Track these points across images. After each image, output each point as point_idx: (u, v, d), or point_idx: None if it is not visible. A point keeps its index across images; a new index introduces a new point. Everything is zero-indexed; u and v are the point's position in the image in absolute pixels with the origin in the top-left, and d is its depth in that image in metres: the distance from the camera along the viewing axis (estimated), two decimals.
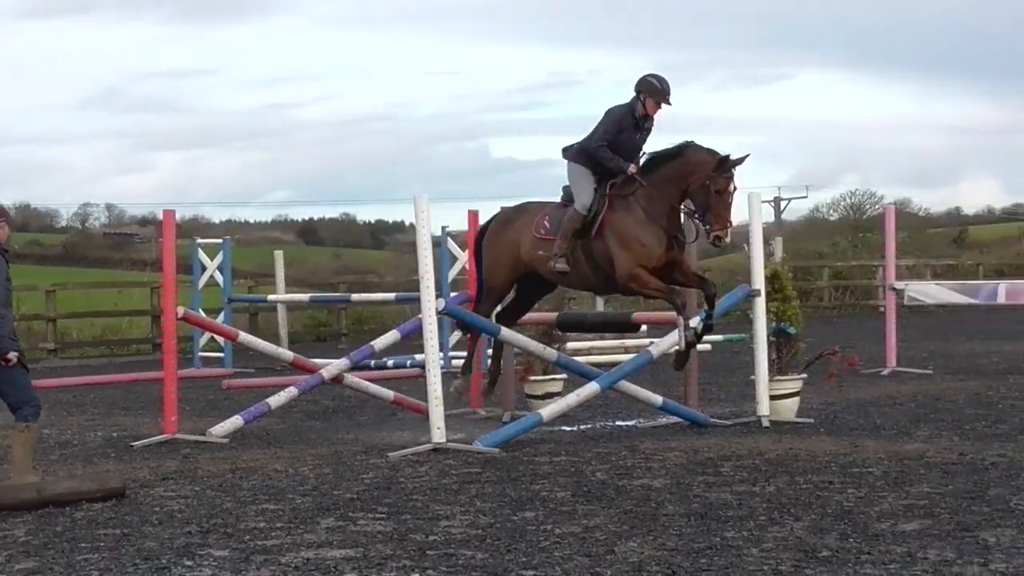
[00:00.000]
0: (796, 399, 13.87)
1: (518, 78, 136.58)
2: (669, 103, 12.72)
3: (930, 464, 10.68)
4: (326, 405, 16.52)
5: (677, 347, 12.86)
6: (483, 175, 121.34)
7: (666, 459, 11.35)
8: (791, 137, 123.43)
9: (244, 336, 15.33)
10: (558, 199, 13.25)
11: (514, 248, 13.16)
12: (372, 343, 14.75)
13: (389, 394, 14.64)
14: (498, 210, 13.91)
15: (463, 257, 20.87)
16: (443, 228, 22.84)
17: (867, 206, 58.95)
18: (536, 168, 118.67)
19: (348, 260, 65.16)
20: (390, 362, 21.09)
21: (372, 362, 19.03)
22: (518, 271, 13.28)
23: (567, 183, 13.08)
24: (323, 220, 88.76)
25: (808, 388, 14.60)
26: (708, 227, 12.42)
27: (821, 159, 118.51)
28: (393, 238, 77.22)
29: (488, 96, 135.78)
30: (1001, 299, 19.99)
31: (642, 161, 12.72)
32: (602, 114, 12.82)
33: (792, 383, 13.85)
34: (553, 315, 15.47)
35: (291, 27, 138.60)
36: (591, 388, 13.03)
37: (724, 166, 12.31)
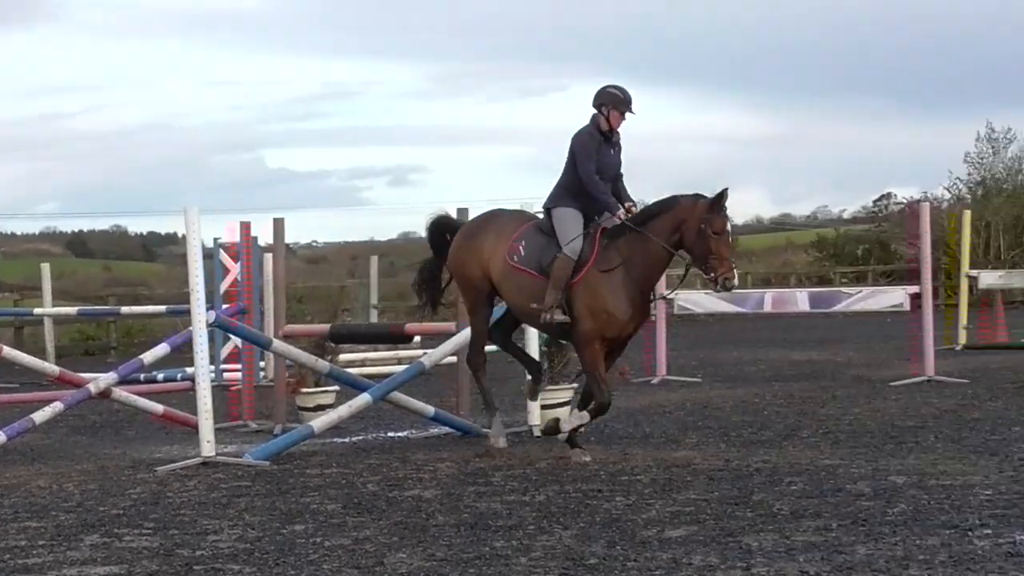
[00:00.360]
0: (567, 408, 13.98)
1: (293, 89, 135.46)
2: (633, 112, 12.04)
3: (697, 471, 10.85)
4: (93, 420, 16.24)
5: (569, 423, 11.98)
6: (258, 186, 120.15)
7: (437, 470, 11.37)
8: (565, 147, 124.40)
9: (8, 351, 14.98)
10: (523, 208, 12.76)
11: (484, 261, 12.25)
12: (142, 356, 14.50)
13: (159, 408, 14.43)
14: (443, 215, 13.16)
15: (236, 269, 20.68)
16: (215, 240, 22.61)
17: None
18: (311, 179, 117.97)
19: (119, 272, 64.15)
20: (160, 376, 20.83)
21: (142, 376, 18.76)
22: (489, 285, 12.34)
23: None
24: (93, 232, 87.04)
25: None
26: (713, 273, 11.55)
27: None
28: (166, 250, 76.11)
29: (263, 107, 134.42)
30: (767, 308, 20.46)
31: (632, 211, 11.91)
32: (571, 144, 12.06)
33: (563, 392, 13.95)
34: (326, 327, 15.44)
35: (60, 36, 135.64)
36: (363, 399, 13.00)
37: (718, 205, 11.55)
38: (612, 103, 11.97)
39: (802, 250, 61.32)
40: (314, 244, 76.78)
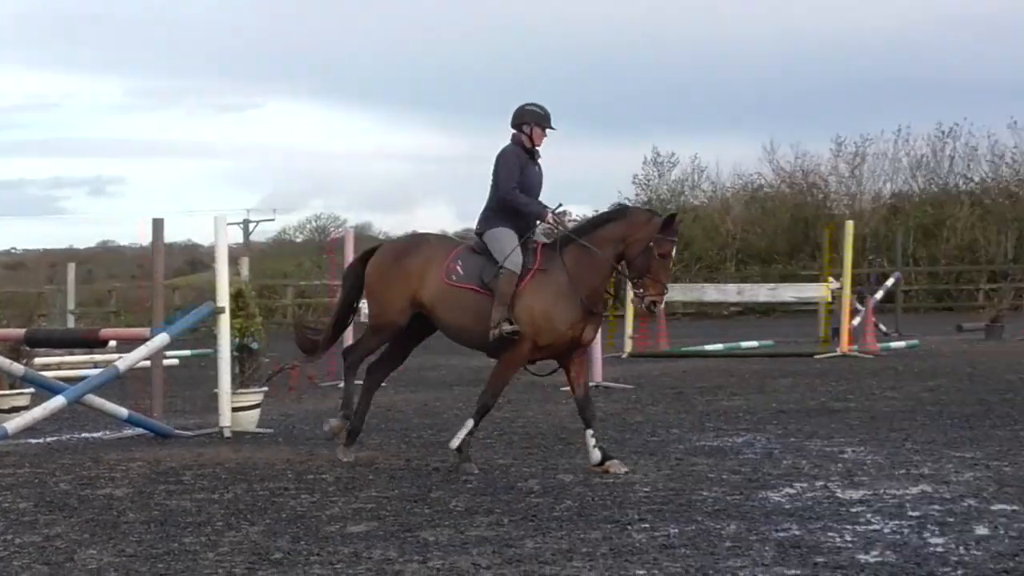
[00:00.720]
0: (257, 411, 13.91)
1: None
2: (553, 127, 11.46)
3: (379, 470, 10.89)
4: None
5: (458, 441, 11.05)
6: None
7: (129, 469, 11.17)
8: (261, 163, 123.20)
9: None
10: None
11: (413, 286, 11.35)
12: None
13: None
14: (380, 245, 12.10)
15: None
16: None
17: (331, 228, 59.87)
18: (10, 188, 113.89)
19: None
20: None
21: None
22: (414, 309, 11.45)
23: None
24: None
25: (270, 401, 14.67)
26: (643, 291, 10.89)
27: (289, 184, 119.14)
28: None
29: None
30: None
31: (564, 215, 11.30)
32: (495, 162, 11.36)
33: (254, 396, 13.89)
34: (21, 331, 15.02)
35: None
36: (57, 402, 12.65)
37: (672, 228, 10.92)
38: (534, 120, 11.40)
39: None
40: (13, 251, 74.62)
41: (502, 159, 11.38)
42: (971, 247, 49.43)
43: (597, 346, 18.46)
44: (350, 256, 20.33)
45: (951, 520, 8.34)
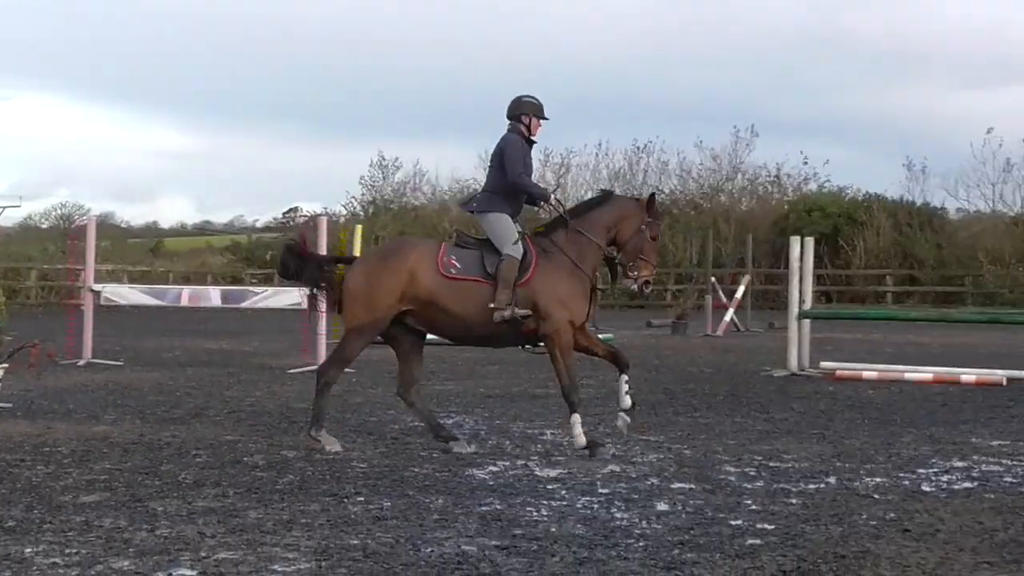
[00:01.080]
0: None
1: None
2: (547, 118, 11.05)
3: (113, 444, 10.60)
4: None
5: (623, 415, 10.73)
6: None
7: None
8: (9, 152, 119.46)
9: None
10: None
11: (403, 281, 10.52)
12: None
13: None
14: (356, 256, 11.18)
15: None
16: None
17: (75, 216, 58.44)
18: None
19: None
20: None
21: None
22: (403, 305, 10.56)
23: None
24: None
25: (10, 377, 14.16)
26: (636, 272, 10.72)
27: (36, 173, 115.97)
28: None
29: None
30: (184, 302, 20.24)
31: (562, 203, 10.83)
32: (502, 149, 10.87)
33: None
34: None
35: None
36: None
37: (655, 209, 10.81)
38: (533, 111, 11.01)
39: (219, 253, 61.37)
40: None
41: (510, 147, 10.93)
42: (661, 252, 50.78)
43: (322, 330, 18.34)
44: (92, 242, 19.82)
45: (636, 497, 8.51)
